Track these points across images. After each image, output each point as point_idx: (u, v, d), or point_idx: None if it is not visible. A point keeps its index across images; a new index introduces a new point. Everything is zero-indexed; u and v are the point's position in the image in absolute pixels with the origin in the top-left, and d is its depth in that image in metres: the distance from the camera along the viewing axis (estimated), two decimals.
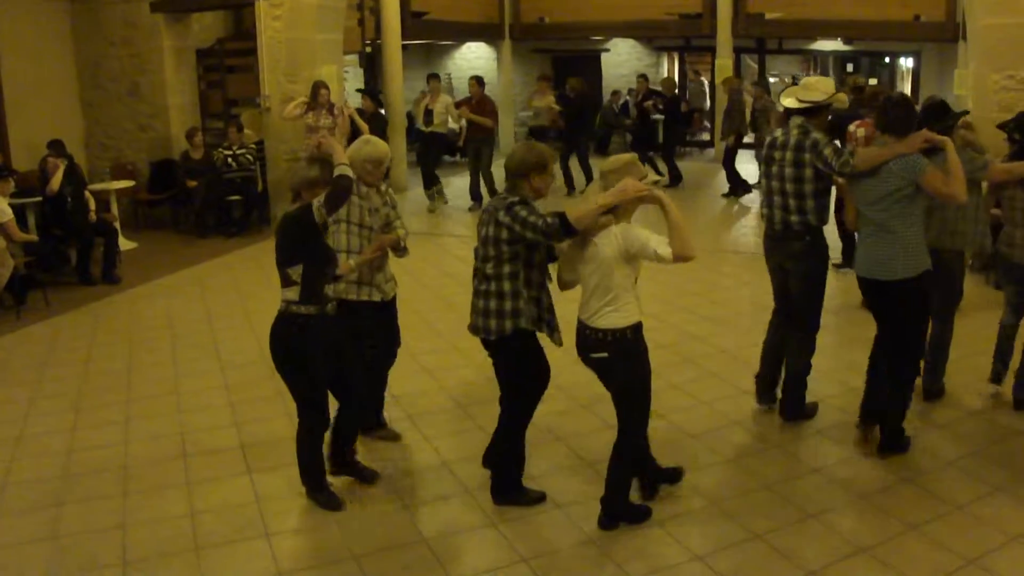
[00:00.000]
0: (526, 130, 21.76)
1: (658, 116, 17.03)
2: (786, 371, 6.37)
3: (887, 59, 24.46)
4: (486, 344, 5.06)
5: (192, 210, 13.24)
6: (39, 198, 10.53)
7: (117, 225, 11.44)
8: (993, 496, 5.21)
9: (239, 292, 10.01)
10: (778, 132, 6.16)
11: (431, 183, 14.75)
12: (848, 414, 6.30)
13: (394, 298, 5.99)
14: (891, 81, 24.46)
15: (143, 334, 8.61)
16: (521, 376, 5.11)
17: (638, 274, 4.82)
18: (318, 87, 12.21)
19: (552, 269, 5.04)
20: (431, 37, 21.02)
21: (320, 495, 5.30)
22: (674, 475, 5.42)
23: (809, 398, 6.35)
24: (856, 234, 5.83)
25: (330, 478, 5.41)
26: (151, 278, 10.67)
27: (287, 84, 13.10)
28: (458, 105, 14.59)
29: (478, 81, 14.72)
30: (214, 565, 4.71)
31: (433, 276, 10.52)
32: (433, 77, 15.00)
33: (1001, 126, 6.81)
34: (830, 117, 6.38)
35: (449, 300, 9.36)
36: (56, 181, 10.38)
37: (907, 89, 22.61)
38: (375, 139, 5.91)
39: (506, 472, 5.29)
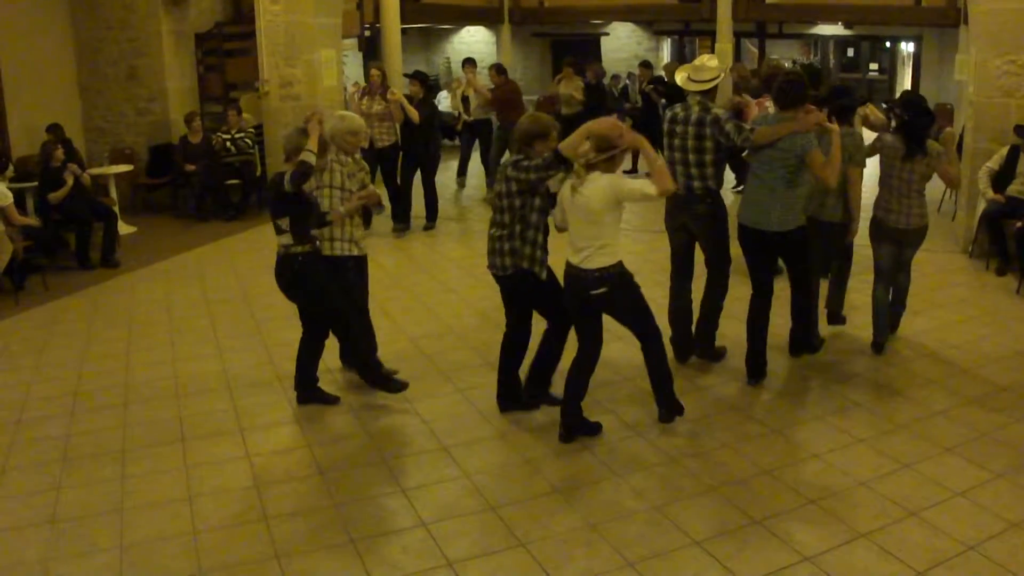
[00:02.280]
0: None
1: (663, 101, 16.80)
2: (700, 309, 6.99)
3: (888, 44, 24.41)
4: (499, 279, 5.96)
5: (191, 194, 13.20)
6: (36, 183, 10.50)
7: (116, 209, 11.40)
8: (993, 483, 5.21)
9: (238, 276, 10.00)
10: (677, 108, 6.74)
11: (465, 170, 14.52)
12: (850, 403, 6.34)
13: (366, 254, 6.85)
14: (892, 66, 24.41)
15: (142, 318, 8.60)
16: (537, 303, 6.06)
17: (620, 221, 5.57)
18: (369, 69, 11.98)
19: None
20: (430, 21, 20.99)
21: (313, 393, 6.41)
22: (597, 430, 5.98)
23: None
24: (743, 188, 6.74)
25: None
26: (150, 262, 10.65)
27: (286, 68, 13.04)
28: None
29: (497, 70, 14.25)
30: (212, 548, 4.71)
31: (435, 261, 10.53)
32: (468, 63, 14.49)
33: (888, 104, 7.29)
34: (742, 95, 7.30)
35: (448, 284, 9.37)
36: (63, 193, 10.34)
37: (908, 74, 22.57)
38: (349, 114, 6.78)
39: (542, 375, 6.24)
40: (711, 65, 6.60)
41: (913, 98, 7.15)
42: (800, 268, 6.70)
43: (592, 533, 4.79)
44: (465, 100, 14.13)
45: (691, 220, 6.75)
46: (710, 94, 6.60)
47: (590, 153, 5.40)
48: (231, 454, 5.77)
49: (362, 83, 12.73)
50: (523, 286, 5.89)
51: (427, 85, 12.22)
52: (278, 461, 5.67)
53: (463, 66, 14.60)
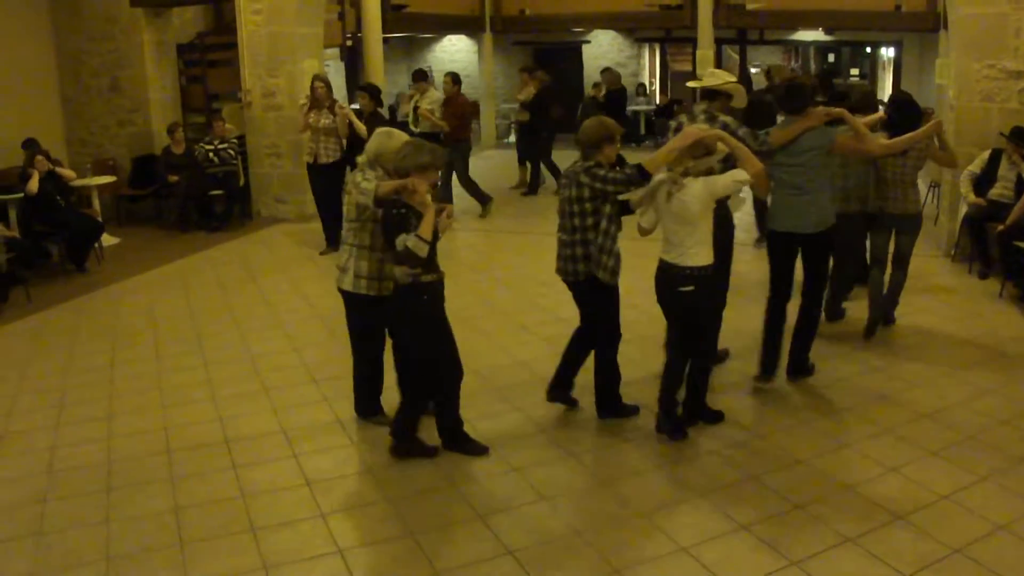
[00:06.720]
0: (508, 123, 21.63)
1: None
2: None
3: (868, 49, 24.51)
4: (571, 285, 6.00)
5: (174, 205, 13.18)
6: (20, 195, 10.45)
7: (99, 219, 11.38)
8: (979, 485, 5.23)
9: (222, 287, 9.97)
10: (683, 117, 6.70)
11: None
12: (834, 407, 6.35)
13: None
14: (872, 71, 24.52)
15: (126, 330, 8.56)
16: (600, 310, 6.03)
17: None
18: (312, 81, 11.37)
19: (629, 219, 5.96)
20: (412, 30, 20.99)
21: (469, 444, 5.83)
22: (717, 417, 6.20)
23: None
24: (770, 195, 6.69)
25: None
26: (133, 274, 10.61)
27: (268, 79, 13.05)
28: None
29: (453, 79, 13.64)
30: (198, 560, 4.69)
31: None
32: (420, 75, 14.01)
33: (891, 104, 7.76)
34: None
35: None
36: (34, 183, 10.31)
37: (889, 79, 22.69)
38: (396, 131, 5.95)
39: (607, 391, 6.22)
40: (722, 76, 6.68)
41: (900, 97, 7.89)
42: (824, 270, 6.76)
43: (578, 540, 4.79)
44: (416, 111, 13.34)
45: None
46: (715, 101, 6.59)
47: (687, 161, 5.57)
48: (217, 464, 5.75)
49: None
50: (595, 292, 5.90)
51: (378, 99, 11.82)
52: (264, 471, 5.65)
53: (414, 79, 14.07)
